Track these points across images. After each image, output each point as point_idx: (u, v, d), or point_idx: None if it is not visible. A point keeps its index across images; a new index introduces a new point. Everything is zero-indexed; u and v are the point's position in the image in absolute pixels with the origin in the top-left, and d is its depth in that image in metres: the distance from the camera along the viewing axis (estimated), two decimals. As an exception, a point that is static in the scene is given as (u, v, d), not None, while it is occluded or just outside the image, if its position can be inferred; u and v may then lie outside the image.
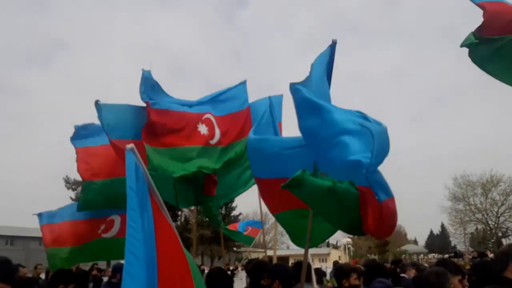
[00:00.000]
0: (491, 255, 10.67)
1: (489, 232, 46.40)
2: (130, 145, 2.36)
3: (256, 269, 4.31)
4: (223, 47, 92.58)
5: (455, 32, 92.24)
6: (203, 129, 5.50)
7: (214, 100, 5.89)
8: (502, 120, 72.75)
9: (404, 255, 42.52)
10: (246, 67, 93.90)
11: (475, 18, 4.37)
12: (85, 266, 10.82)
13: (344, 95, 79.28)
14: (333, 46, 4.01)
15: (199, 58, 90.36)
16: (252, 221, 17.96)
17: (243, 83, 6.20)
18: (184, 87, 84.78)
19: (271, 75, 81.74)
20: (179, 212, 43.49)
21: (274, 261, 6.50)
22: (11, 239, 55.90)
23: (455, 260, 9.15)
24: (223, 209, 42.03)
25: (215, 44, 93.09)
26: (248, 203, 63.81)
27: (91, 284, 8.03)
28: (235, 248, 47.31)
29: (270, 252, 9.78)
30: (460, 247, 49.33)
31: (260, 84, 79.61)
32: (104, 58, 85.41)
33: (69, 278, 4.08)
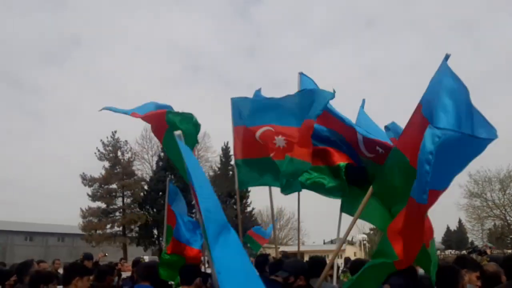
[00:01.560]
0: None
1: (507, 228, 45.59)
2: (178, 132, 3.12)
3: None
4: (237, 42, 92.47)
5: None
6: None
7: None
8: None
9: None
10: (260, 62, 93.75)
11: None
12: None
13: (362, 90, 78.83)
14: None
15: (213, 54, 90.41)
16: (258, 228, 18.14)
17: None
18: (198, 83, 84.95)
19: (285, 70, 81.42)
20: (194, 210, 43.57)
21: (276, 256, 6.54)
22: (31, 235, 56.98)
23: (474, 256, 8.99)
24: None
25: (229, 39, 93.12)
26: (261, 198, 63.71)
27: (116, 278, 8.08)
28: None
29: (286, 248, 9.80)
30: (478, 243, 48.59)
31: (274, 79, 79.35)
32: (120, 55, 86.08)
33: (83, 271, 4.29)
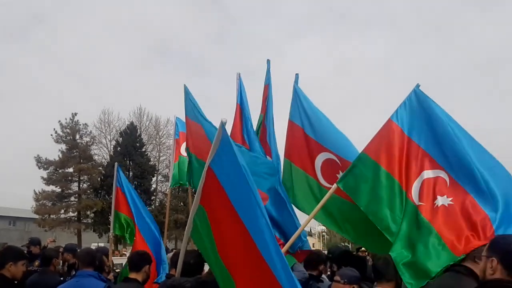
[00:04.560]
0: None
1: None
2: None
3: None
4: (208, 28, 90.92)
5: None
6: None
7: None
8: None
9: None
10: (231, 49, 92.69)
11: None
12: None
13: (330, 83, 79.73)
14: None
15: (183, 37, 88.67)
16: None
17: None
18: (165, 66, 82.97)
19: (256, 58, 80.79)
20: (152, 197, 43.12)
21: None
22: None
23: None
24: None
25: (200, 24, 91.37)
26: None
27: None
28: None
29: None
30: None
31: (246, 66, 78.72)
32: (85, 33, 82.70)
33: (17, 255, 4.24)
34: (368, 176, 4.05)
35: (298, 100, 5.54)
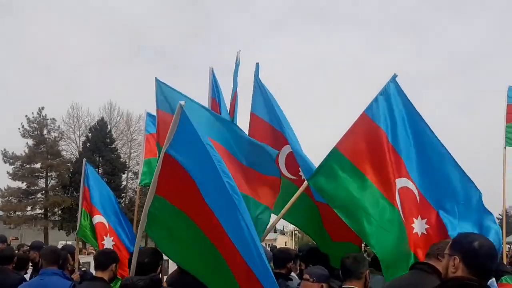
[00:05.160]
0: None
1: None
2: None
3: None
4: (182, 23, 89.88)
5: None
6: None
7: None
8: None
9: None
10: (206, 45, 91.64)
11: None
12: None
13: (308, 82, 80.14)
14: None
15: (157, 33, 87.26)
16: None
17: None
18: (139, 61, 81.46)
19: (231, 56, 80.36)
20: (122, 194, 42.45)
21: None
22: None
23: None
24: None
25: (175, 19, 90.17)
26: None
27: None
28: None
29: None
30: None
31: (219, 62, 78.15)
32: (55, 26, 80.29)
33: None
34: (339, 175, 3.93)
35: (259, 91, 5.39)
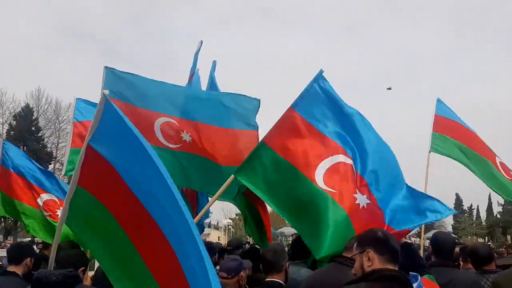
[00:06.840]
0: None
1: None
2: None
3: None
4: (124, 12, 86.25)
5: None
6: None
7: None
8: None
9: (279, 237, 44.69)
10: (148, 36, 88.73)
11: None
12: None
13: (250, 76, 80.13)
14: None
15: (95, 19, 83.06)
16: None
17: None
18: (75, 49, 77.27)
19: (174, 47, 78.64)
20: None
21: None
22: None
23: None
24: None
25: (117, 7, 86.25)
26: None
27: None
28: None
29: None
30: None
31: (163, 54, 76.09)
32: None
33: None
34: (268, 167, 3.97)
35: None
